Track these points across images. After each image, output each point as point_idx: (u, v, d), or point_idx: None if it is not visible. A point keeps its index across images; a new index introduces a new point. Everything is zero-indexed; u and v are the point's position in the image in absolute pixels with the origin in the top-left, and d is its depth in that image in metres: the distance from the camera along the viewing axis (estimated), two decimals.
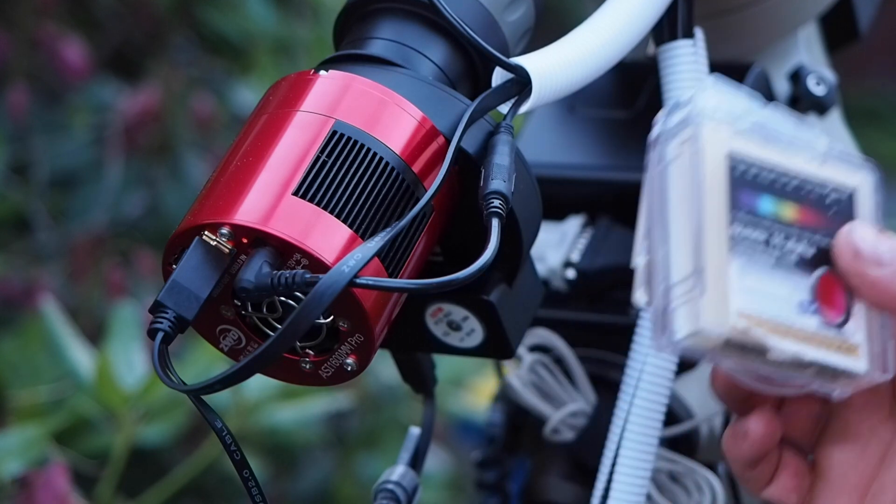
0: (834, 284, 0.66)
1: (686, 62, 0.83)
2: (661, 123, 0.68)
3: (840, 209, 0.67)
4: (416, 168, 0.72)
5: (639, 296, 0.66)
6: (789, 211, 0.66)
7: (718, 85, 0.67)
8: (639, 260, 0.66)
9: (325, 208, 0.69)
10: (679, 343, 0.64)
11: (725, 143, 0.65)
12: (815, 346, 0.65)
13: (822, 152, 0.67)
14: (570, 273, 0.90)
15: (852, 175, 0.68)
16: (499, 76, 0.75)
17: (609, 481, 0.82)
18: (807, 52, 0.98)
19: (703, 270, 0.63)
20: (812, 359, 0.65)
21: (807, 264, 0.65)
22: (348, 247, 0.68)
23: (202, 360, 1.41)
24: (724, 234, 0.64)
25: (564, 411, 0.91)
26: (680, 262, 0.64)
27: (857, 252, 0.66)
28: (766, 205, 0.65)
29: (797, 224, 0.66)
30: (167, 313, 0.67)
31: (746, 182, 0.65)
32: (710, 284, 0.63)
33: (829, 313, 0.65)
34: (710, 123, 0.65)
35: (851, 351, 0.66)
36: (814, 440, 0.71)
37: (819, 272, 0.66)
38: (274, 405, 1.54)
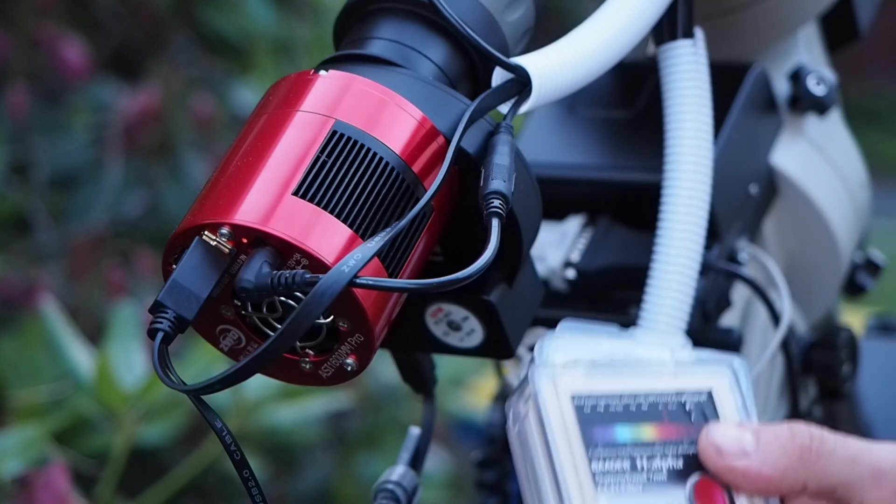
0: (710, 486, 0.67)
1: (686, 62, 0.83)
2: (512, 386, 0.69)
3: (700, 414, 0.69)
4: (416, 168, 0.72)
5: None
6: (648, 431, 0.67)
7: (560, 332, 0.69)
8: None
9: (325, 208, 0.69)
10: None
11: (566, 388, 0.67)
12: None
13: (672, 366, 0.69)
14: (570, 273, 0.90)
15: (707, 378, 0.70)
16: (499, 76, 0.75)
17: None
18: (807, 52, 0.98)
19: None
20: None
21: (679, 475, 0.67)
22: (348, 247, 0.68)
23: (202, 360, 1.41)
24: (586, 474, 0.65)
25: None
26: None
27: (719, 449, 0.67)
28: (623, 432, 0.67)
29: (659, 441, 0.67)
30: (167, 313, 0.67)
31: (597, 418, 0.66)
32: None
33: None
34: (546, 375, 0.67)
35: None
36: None
37: (693, 479, 0.67)
38: (274, 405, 1.54)
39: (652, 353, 0.69)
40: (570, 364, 0.67)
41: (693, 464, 0.67)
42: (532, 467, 0.66)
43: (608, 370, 0.68)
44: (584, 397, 0.66)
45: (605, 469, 0.65)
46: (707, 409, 0.69)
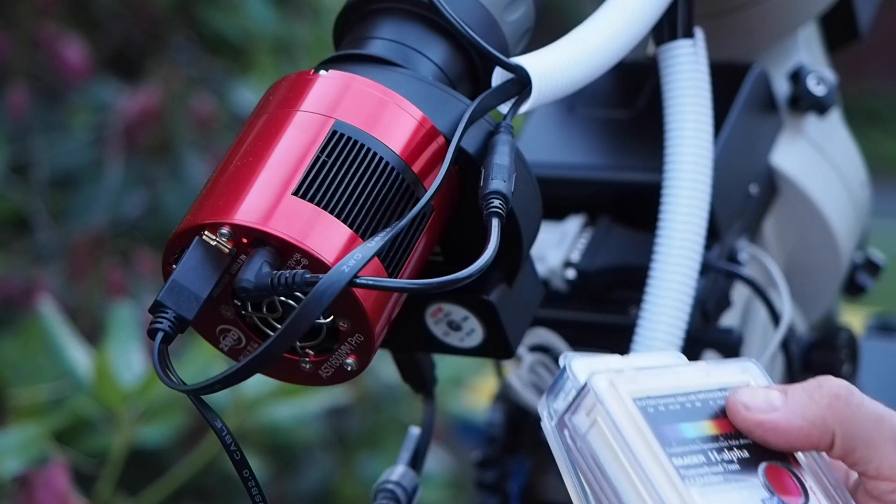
0: (779, 472, 0.68)
1: (686, 62, 0.83)
2: (548, 410, 0.69)
3: None
4: (416, 168, 0.72)
5: None
6: (709, 427, 0.68)
7: (579, 355, 0.69)
8: None
9: (325, 208, 0.69)
10: None
11: (625, 393, 0.67)
12: None
13: (702, 366, 0.69)
14: (570, 273, 0.90)
15: (741, 372, 0.70)
16: (499, 76, 0.75)
17: None
18: (807, 52, 0.98)
19: None
20: None
21: (748, 465, 0.67)
22: (348, 247, 0.68)
23: (202, 360, 1.41)
24: (671, 470, 0.65)
25: None
26: None
27: (747, 406, 0.68)
28: (689, 429, 0.67)
29: (722, 435, 0.68)
30: (167, 313, 0.67)
31: (661, 417, 0.67)
32: None
33: (790, 499, 0.67)
34: (603, 382, 0.67)
35: None
36: None
37: (762, 467, 0.67)
38: (273, 402, 1.54)
39: (679, 359, 0.70)
40: (616, 373, 0.67)
41: (758, 452, 0.67)
42: (608, 478, 0.66)
43: (652, 373, 0.68)
44: (644, 399, 0.67)
45: (684, 464, 0.66)
46: None
